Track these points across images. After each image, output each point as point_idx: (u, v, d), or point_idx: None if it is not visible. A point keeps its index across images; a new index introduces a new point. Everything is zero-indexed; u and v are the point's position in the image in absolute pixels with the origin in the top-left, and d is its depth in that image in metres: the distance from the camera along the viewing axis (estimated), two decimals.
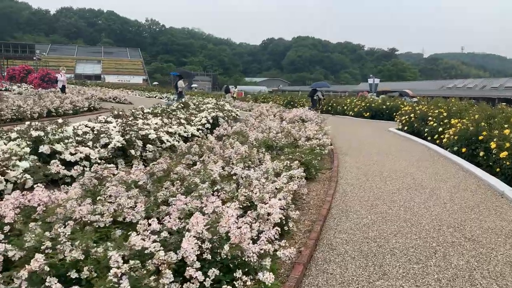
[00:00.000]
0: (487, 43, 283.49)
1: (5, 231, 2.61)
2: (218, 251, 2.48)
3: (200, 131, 9.14)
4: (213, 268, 2.32)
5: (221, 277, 2.35)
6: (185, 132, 8.34)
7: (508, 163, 5.97)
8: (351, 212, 4.49)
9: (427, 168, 7.05)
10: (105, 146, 5.76)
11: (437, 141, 9.64)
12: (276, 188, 3.97)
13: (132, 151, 5.93)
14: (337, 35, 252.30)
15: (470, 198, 5.20)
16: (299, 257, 3.14)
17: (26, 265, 2.13)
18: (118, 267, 2.10)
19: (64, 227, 2.58)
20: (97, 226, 2.80)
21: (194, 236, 2.46)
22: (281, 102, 26.38)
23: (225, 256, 2.45)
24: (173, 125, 8.25)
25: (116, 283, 2.03)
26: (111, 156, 5.65)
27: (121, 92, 31.13)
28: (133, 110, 9.85)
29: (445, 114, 10.30)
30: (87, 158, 5.29)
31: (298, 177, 4.65)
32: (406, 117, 12.69)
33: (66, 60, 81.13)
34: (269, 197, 3.54)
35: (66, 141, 5.45)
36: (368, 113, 18.79)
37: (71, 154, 5.16)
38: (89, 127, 6.93)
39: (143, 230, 2.61)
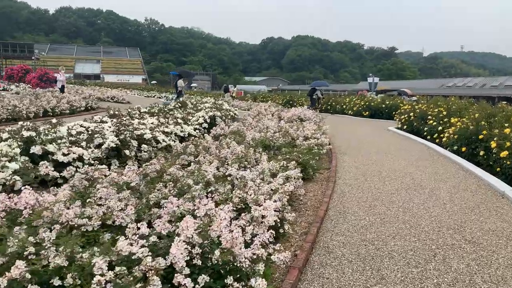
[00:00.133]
0: (486, 42, 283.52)
1: None
2: (209, 256, 2.39)
3: (197, 131, 9.04)
4: (203, 275, 2.22)
5: (212, 284, 2.26)
6: (181, 131, 8.24)
7: (508, 162, 5.88)
8: (348, 213, 4.40)
9: (427, 167, 6.96)
10: (99, 146, 5.66)
11: (437, 140, 9.55)
12: (271, 190, 3.88)
13: (127, 152, 5.83)
14: (337, 35, 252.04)
15: (470, 198, 5.10)
16: (294, 261, 3.05)
17: (7, 272, 2.04)
18: (102, 275, 2.01)
19: (50, 231, 2.49)
20: (84, 230, 2.71)
21: (184, 241, 2.37)
22: (280, 101, 26.27)
23: (216, 262, 2.35)
24: (169, 124, 8.16)
25: None
26: (105, 156, 5.55)
27: (120, 92, 31.03)
28: (129, 110, 9.75)
29: (444, 113, 10.20)
30: (80, 158, 5.20)
31: (294, 178, 4.56)
32: (406, 116, 12.59)
33: (65, 59, 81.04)
34: (264, 199, 3.45)
35: (59, 141, 5.35)
36: (367, 112, 18.70)
37: (64, 154, 5.06)
38: (84, 127, 6.83)
39: (132, 234, 2.53)
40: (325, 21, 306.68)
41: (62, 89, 19.80)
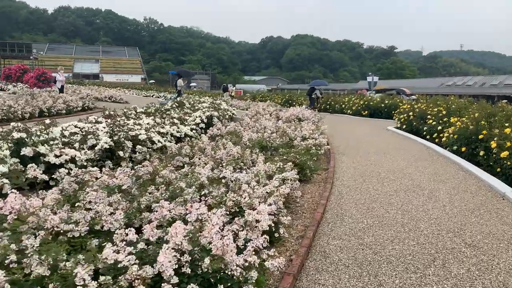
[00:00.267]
0: (486, 41, 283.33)
1: None
2: (199, 264, 2.29)
3: (194, 131, 8.94)
4: (192, 284, 2.13)
5: None
6: (178, 132, 8.14)
7: (509, 163, 5.79)
8: (346, 216, 4.30)
9: (426, 168, 6.86)
10: (92, 147, 5.56)
11: (436, 140, 9.46)
12: (267, 192, 3.78)
13: (121, 153, 5.73)
14: (336, 34, 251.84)
15: (470, 200, 5.01)
16: (289, 267, 2.95)
17: None
18: (85, 286, 1.91)
19: (35, 238, 2.39)
20: (71, 236, 2.61)
21: (172, 248, 2.27)
22: (279, 101, 26.17)
23: (206, 270, 2.25)
24: (165, 125, 8.05)
25: None
26: (98, 158, 5.45)
27: (117, 91, 30.85)
28: (125, 110, 9.64)
29: (444, 112, 10.11)
30: (73, 160, 5.09)
31: (291, 180, 4.46)
32: (405, 115, 12.50)
33: (64, 59, 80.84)
34: (259, 202, 3.35)
35: (51, 142, 5.24)
36: (366, 112, 18.61)
37: (56, 156, 4.96)
38: (79, 127, 6.71)
39: (120, 241, 2.43)
40: (325, 21, 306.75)
41: (61, 89, 19.68)
